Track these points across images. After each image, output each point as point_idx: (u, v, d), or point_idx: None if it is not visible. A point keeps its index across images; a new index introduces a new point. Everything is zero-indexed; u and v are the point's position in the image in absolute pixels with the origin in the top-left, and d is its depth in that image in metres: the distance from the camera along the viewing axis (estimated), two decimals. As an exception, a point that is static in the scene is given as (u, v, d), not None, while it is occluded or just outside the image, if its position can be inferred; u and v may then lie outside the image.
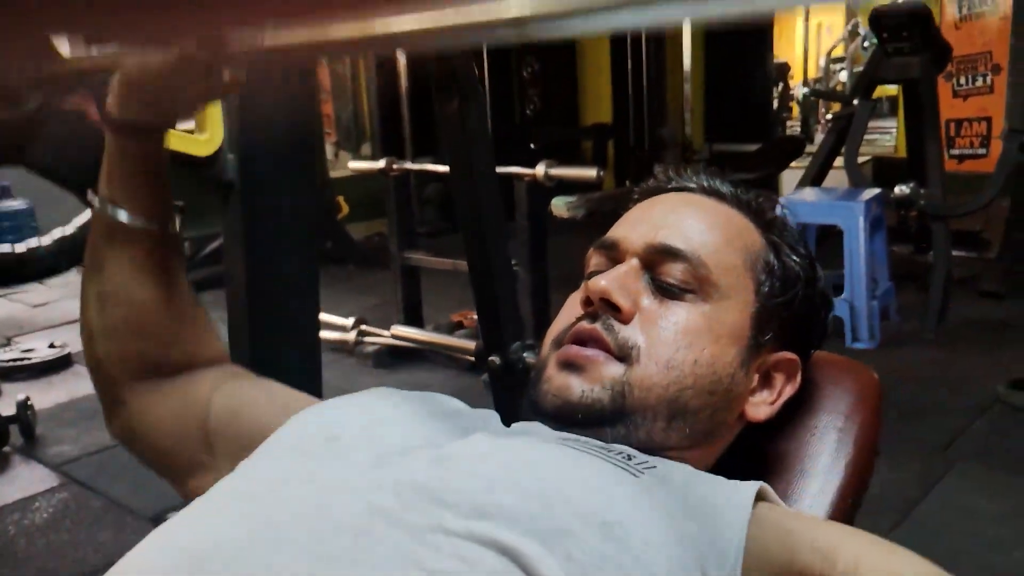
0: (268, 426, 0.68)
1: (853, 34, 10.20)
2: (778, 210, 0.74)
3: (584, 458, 0.55)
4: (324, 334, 3.74)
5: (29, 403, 2.88)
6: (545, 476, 0.53)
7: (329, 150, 6.27)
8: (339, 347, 3.67)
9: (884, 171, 5.03)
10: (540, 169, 2.93)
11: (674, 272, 0.66)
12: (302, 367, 1.23)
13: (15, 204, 5.65)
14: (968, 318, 3.62)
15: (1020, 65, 3.87)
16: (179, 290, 0.80)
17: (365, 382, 3.23)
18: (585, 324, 0.65)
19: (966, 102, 4.82)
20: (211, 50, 0.64)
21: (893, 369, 3.08)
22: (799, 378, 0.70)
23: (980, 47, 4.72)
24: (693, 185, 0.74)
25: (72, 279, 5.30)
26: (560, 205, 3.65)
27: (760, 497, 0.57)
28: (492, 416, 0.69)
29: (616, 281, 0.65)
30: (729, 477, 0.62)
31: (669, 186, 0.75)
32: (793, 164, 4.67)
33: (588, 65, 6.69)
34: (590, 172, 2.83)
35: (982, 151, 4.82)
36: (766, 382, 0.69)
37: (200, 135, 1.03)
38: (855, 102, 3.70)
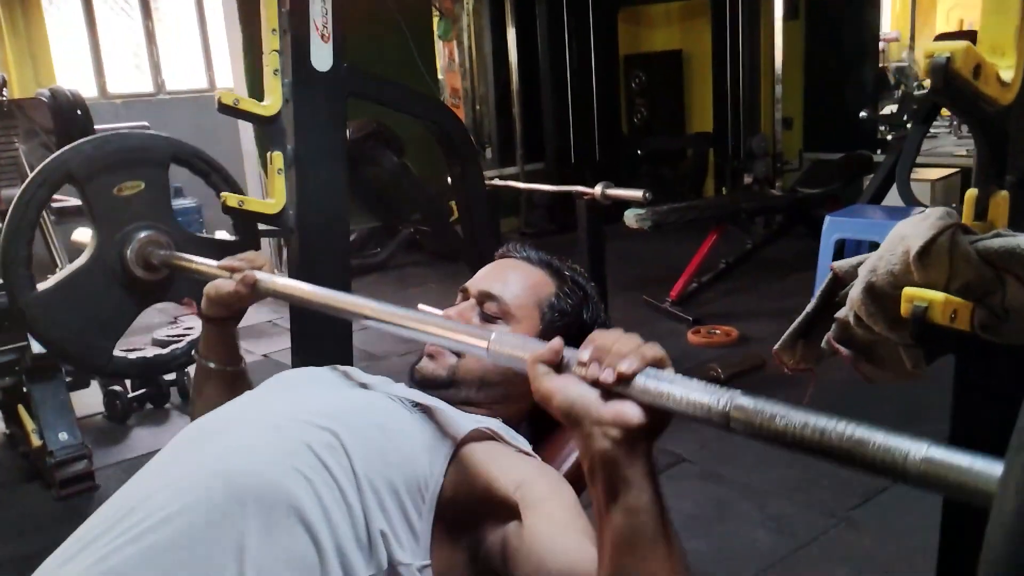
0: None
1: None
2: (567, 269, 1.25)
3: (384, 400, 1.09)
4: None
5: (186, 370, 3.65)
6: (356, 405, 1.07)
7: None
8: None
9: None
10: (598, 189, 3.42)
11: (490, 308, 1.18)
12: (335, 356, 1.81)
13: (186, 202, 6.62)
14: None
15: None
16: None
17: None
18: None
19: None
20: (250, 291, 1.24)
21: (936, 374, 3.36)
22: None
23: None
24: (517, 254, 1.26)
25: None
26: (631, 217, 4.10)
27: (482, 435, 1.07)
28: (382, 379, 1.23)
29: (458, 311, 1.19)
30: (535, 433, 1.12)
31: (508, 254, 1.28)
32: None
33: (694, 74, 7.02)
34: (637, 193, 3.28)
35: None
36: (547, 373, 1.20)
37: (270, 200, 1.63)
38: (909, 126, 3.95)
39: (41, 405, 2.78)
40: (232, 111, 1.64)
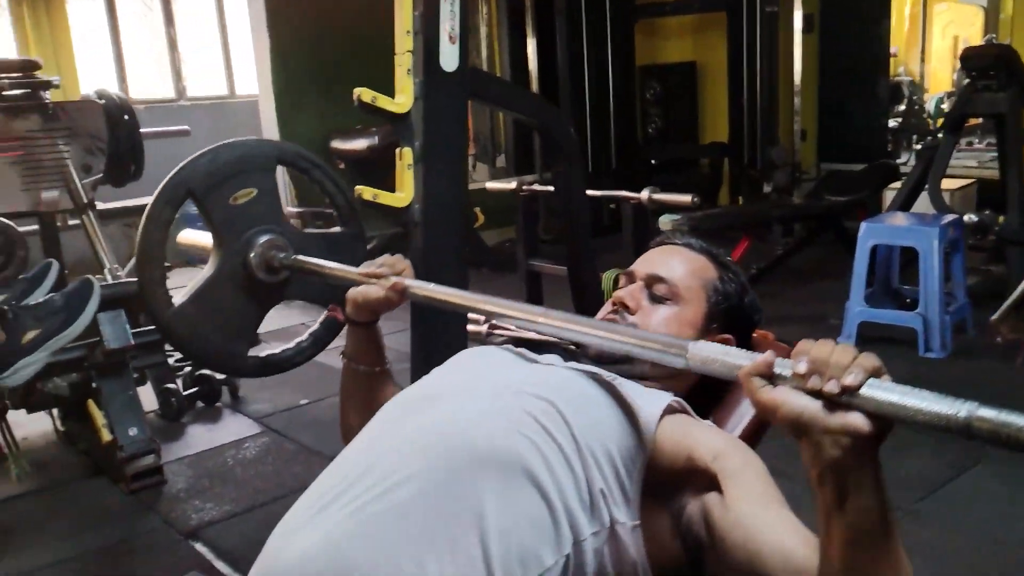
0: None
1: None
2: (724, 257, 1.32)
3: (580, 373, 1.15)
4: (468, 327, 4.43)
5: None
6: (567, 378, 1.13)
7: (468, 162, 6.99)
8: (474, 337, 4.33)
9: (988, 193, 5.28)
10: (645, 194, 3.50)
11: (659, 289, 1.25)
12: (453, 347, 1.86)
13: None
14: (1043, 335, 3.92)
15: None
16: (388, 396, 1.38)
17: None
18: (612, 315, 1.25)
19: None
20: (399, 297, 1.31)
21: (957, 377, 3.46)
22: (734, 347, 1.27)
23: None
24: (678, 241, 1.33)
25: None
26: (667, 222, 4.18)
27: (674, 409, 1.13)
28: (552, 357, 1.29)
29: (628, 293, 1.25)
30: (701, 405, 1.19)
31: (665, 241, 1.35)
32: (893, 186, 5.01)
33: (708, 85, 7.14)
34: (685, 198, 3.37)
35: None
36: (713, 350, 1.26)
37: (400, 194, 1.69)
38: (939, 135, 4.06)
39: (111, 400, 2.81)
40: (369, 108, 1.70)
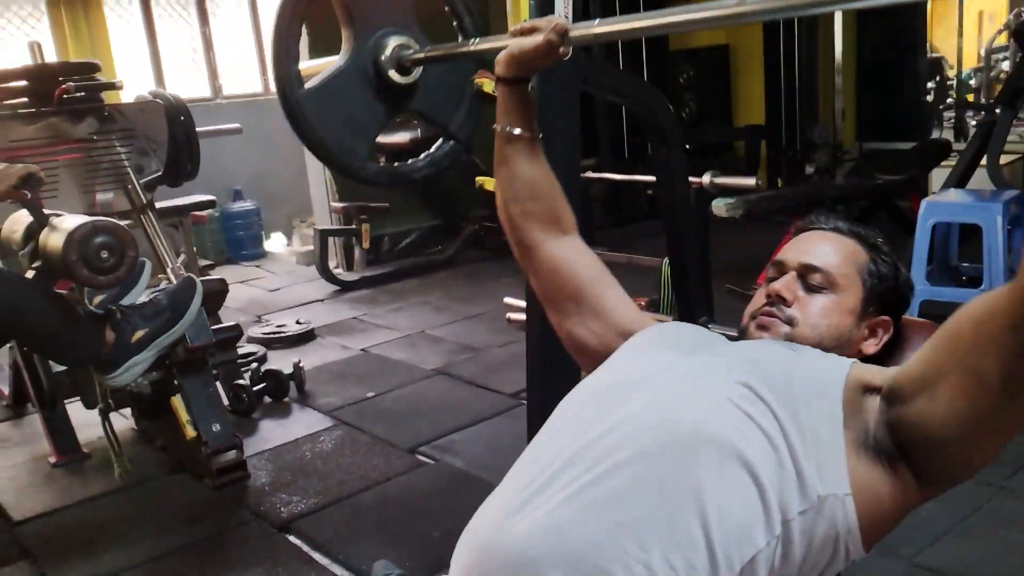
0: (615, 310, 1.35)
1: (1018, 20, 10.00)
2: (873, 236, 1.31)
3: (766, 349, 1.15)
4: (512, 315, 4.43)
5: (300, 364, 3.71)
6: (759, 359, 1.13)
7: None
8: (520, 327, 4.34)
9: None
10: (706, 178, 3.49)
11: (815, 279, 1.24)
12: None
13: (246, 205, 6.67)
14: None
15: None
16: (548, 169, 1.39)
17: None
18: (769, 307, 1.25)
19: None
20: (560, 46, 1.27)
21: None
22: (891, 329, 1.27)
23: None
24: (825, 226, 1.32)
25: (293, 269, 6.27)
26: (720, 206, 4.16)
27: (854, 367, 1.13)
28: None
29: (784, 285, 1.24)
30: None
31: (812, 226, 1.34)
32: (943, 164, 4.97)
33: (741, 68, 7.11)
34: (750, 181, 3.36)
35: None
36: (872, 333, 1.26)
37: None
38: (997, 111, 4.03)
39: (194, 397, 2.84)
40: (488, 97, 1.70)
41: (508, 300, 4.66)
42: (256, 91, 6.82)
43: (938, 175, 5.13)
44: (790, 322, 1.23)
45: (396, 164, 1.79)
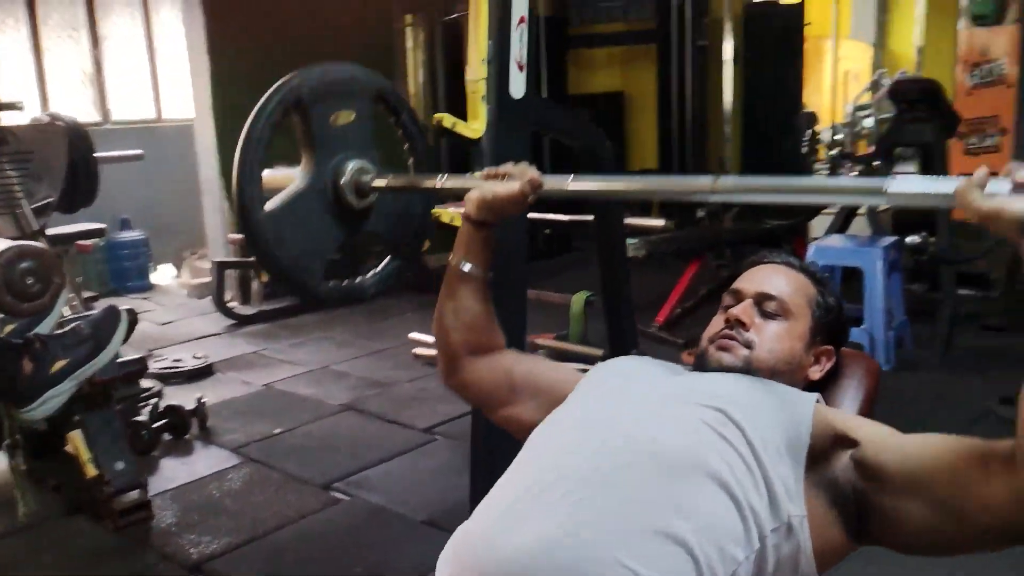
0: (555, 380, 1.37)
1: (877, 84, 10.83)
2: (819, 272, 1.41)
3: (734, 379, 1.22)
4: (419, 351, 4.42)
5: (203, 400, 3.58)
6: (727, 387, 1.20)
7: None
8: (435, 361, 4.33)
9: (904, 217, 5.65)
10: (616, 218, 3.62)
11: (770, 306, 1.33)
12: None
13: (134, 234, 6.41)
14: (972, 348, 4.23)
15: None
16: (490, 307, 1.47)
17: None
18: (728, 331, 1.32)
19: (976, 159, 5.45)
20: (530, 196, 1.34)
21: (903, 389, 3.70)
22: (834, 358, 1.36)
23: (989, 111, 5.36)
24: (777, 261, 1.41)
25: (184, 302, 6.05)
26: (627, 244, 4.31)
27: (817, 401, 1.23)
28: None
29: (742, 310, 1.32)
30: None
31: (764, 260, 1.43)
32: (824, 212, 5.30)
33: (635, 112, 7.40)
34: (660, 222, 3.51)
35: (990, 202, 5.43)
36: (817, 360, 1.35)
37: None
38: (876, 163, 4.35)
39: (97, 433, 2.70)
40: (448, 132, 1.73)
41: (413, 335, 4.66)
42: (149, 117, 6.59)
43: (817, 221, 5.48)
44: (748, 345, 1.30)
45: (346, 283, 1.84)
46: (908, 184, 1.00)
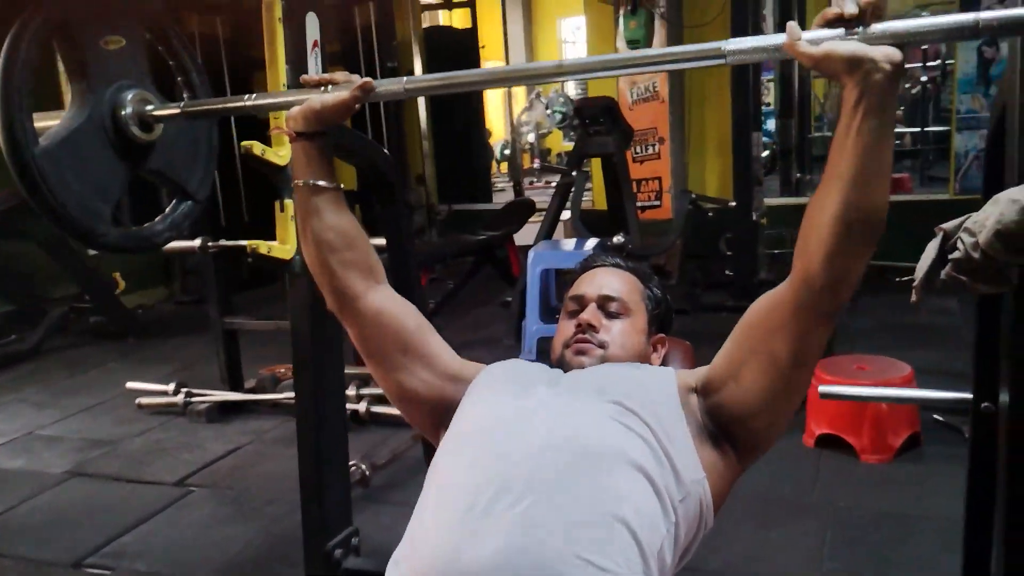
0: (449, 362, 1.41)
1: (535, 101, 11.82)
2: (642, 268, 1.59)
3: (609, 368, 1.34)
4: (146, 400, 4.06)
5: None
6: (610, 380, 1.30)
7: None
8: (165, 410, 4.00)
9: (586, 222, 6.26)
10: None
11: (613, 307, 1.46)
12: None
13: None
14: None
15: (677, 141, 5.23)
16: (354, 218, 1.38)
17: (206, 434, 3.66)
18: (582, 335, 1.43)
19: (643, 165, 6.22)
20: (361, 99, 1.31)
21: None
22: (667, 345, 1.54)
23: (649, 124, 6.15)
24: (608, 263, 1.56)
25: None
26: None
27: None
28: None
29: (592, 314, 1.44)
30: None
31: (596, 264, 1.56)
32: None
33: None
34: (381, 241, 3.58)
35: (657, 203, 6.25)
36: (655, 348, 1.51)
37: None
38: (574, 173, 4.80)
39: None
40: (256, 160, 1.64)
41: (133, 385, 4.24)
42: None
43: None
44: (602, 345, 1.42)
45: (136, 228, 1.64)
46: (742, 43, 1.10)
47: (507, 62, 9.52)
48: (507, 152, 11.47)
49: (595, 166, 5.58)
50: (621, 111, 5.03)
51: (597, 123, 4.92)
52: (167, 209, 1.73)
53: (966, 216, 1.29)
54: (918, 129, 8.82)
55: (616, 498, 1.10)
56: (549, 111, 11.49)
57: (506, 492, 1.09)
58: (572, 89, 13.08)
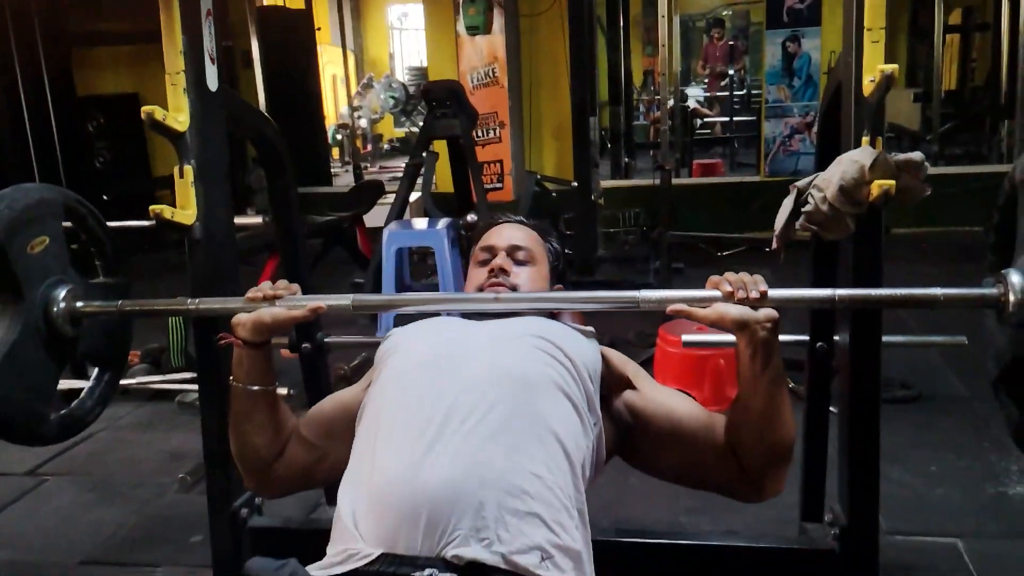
0: (342, 405, 1.50)
1: (367, 86, 11.76)
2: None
3: (541, 318, 1.49)
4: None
5: None
6: (535, 323, 1.45)
7: None
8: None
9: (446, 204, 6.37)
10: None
11: (520, 255, 1.61)
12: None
13: None
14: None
15: (516, 125, 5.44)
16: (285, 413, 1.47)
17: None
18: (495, 279, 1.56)
19: (485, 149, 6.41)
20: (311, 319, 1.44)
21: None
22: (563, 294, 1.72)
23: (490, 108, 6.35)
24: (513, 219, 1.71)
25: None
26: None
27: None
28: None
29: (503, 261, 1.58)
30: None
31: (501, 220, 1.71)
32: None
33: (152, 118, 7.05)
34: (257, 219, 3.57)
35: (499, 185, 6.47)
36: (555, 298, 1.69)
37: (185, 211, 1.66)
38: (424, 154, 4.91)
39: None
40: (159, 126, 1.64)
41: None
42: None
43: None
44: (514, 288, 1.56)
45: (68, 411, 1.67)
46: (652, 296, 1.34)
47: (343, 46, 9.43)
48: (339, 137, 11.38)
49: (440, 148, 5.72)
50: (466, 95, 5.18)
51: (444, 105, 5.05)
52: (91, 382, 1.77)
53: (815, 175, 1.54)
54: (727, 119, 9.57)
55: (551, 417, 1.26)
56: (383, 96, 11.50)
57: (454, 416, 1.22)
58: (403, 75, 13.14)
